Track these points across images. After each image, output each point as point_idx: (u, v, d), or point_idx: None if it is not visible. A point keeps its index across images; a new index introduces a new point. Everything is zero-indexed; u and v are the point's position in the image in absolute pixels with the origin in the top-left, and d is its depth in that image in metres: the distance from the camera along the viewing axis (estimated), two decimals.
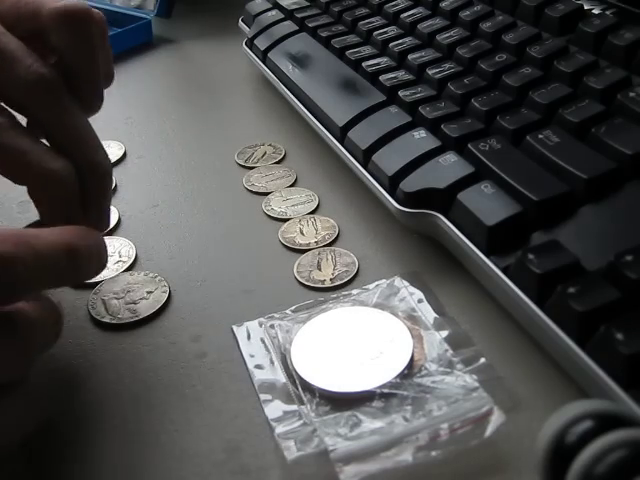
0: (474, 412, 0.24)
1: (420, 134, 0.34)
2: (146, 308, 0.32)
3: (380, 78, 0.40)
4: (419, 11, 0.45)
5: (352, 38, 0.45)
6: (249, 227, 0.37)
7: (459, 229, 0.30)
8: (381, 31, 0.44)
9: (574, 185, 0.29)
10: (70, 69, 0.28)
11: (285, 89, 0.45)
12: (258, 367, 0.28)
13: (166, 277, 0.34)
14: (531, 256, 0.26)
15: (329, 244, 0.35)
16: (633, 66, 0.33)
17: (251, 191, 0.40)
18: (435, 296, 0.31)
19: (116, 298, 0.32)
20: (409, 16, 0.45)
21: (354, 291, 0.31)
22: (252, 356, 0.29)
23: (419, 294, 0.31)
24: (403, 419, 0.25)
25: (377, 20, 0.46)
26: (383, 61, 0.41)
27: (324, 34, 0.46)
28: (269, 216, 0.38)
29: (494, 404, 0.25)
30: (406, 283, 0.31)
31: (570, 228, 0.28)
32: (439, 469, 0.24)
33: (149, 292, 0.33)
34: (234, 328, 0.30)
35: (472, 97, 0.36)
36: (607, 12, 0.37)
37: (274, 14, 0.52)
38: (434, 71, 0.39)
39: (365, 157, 0.35)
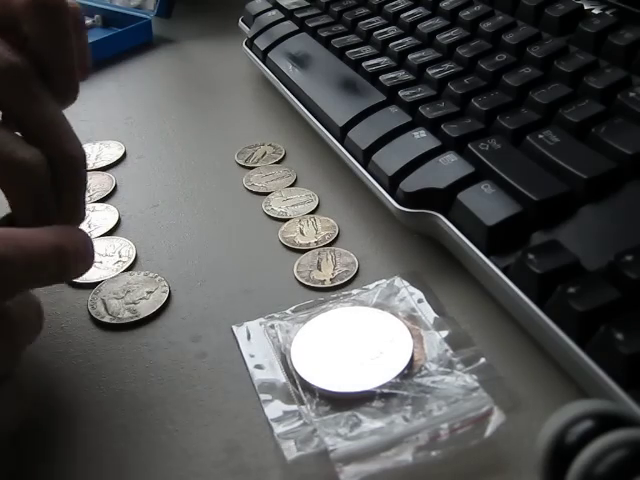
0: (474, 412, 0.24)
1: (420, 134, 0.34)
2: (146, 308, 0.32)
3: (380, 78, 0.40)
4: (419, 11, 0.45)
5: (352, 38, 0.45)
6: (249, 227, 0.37)
7: (459, 229, 0.30)
8: (381, 31, 0.44)
9: (574, 185, 0.29)
10: (43, 59, 0.27)
11: (285, 89, 0.45)
12: (258, 367, 0.28)
13: (166, 277, 0.34)
14: (531, 256, 0.26)
15: (329, 244, 0.35)
16: (633, 66, 0.33)
17: (251, 191, 0.40)
18: (435, 296, 0.31)
19: (116, 298, 0.32)
20: (409, 16, 0.45)
21: (354, 291, 0.31)
22: (252, 356, 0.29)
23: (419, 294, 0.31)
24: (403, 419, 0.25)
25: (377, 20, 0.46)
26: (383, 61, 0.41)
27: (324, 34, 0.46)
28: (269, 216, 0.38)
29: (494, 404, 0.25)
30: (406, 283, 0.31)
31: (570, 228, 0.28)
32: (439, 469, 0.24)
33: (149, 292, 0.33)
34: (234, 328, 0.30)
35: (472, 97, 0.36)
36: (607, 12, 0.37)
37: (274, 14, 0.52)
38: (434, 71, 0.39)
39: (365, 157, 0.35)
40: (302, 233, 0.36)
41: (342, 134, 0.38)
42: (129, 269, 0.34)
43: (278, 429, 0.25)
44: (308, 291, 0.32)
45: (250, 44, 0.51)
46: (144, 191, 0.41)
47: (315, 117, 0.41)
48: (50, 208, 0.27)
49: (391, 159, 0.34)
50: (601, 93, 0.32)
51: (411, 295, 0.31)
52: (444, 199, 0.31)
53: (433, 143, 0.34)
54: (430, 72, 0.39)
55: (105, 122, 0.49)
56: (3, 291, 0.22)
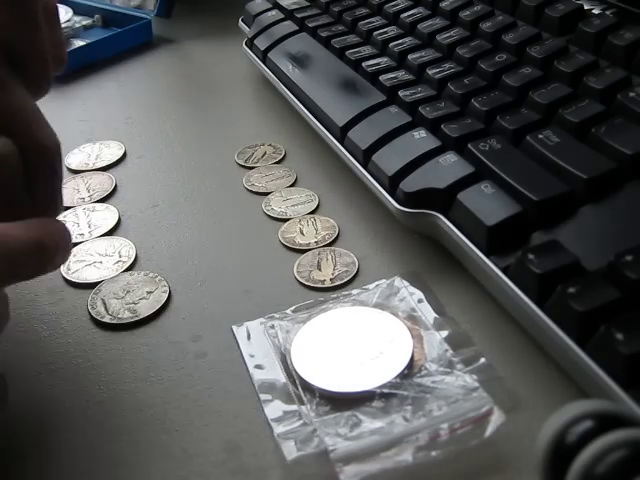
0: (474, 412, 0.24)
1: (420, 134, 0.34)
2: (146, 308, 0.32)
3: (380, 78, 0.40)
4: (419, 11, 0.45)
5: (352, 38, 0.45)
6: (249, 227, 0.37)
7: (459, 229, 0.30)
8: (381, 31, 0.44)
9: (574, 185, 0.29)
10: (13, 48, 0.26)
11: (285, 89, 0.45)
12: (258, 367, 0.28)
13: (166, 277, 0.34)
14: (531, 256, 0.26)
15: (329, 244, 0.35)
16: (633, 66, 0.33)
17: (251, 191, 0.40)
18: (435, 296, 0.31)
19: (116, 298, 0.32)
20: (409, 16, 0.45)
21: (354, 291, 0.31)
22: (252, 356, 0.29)
23: (419, 294, 0.31)
24: (403, 419, 0.25)
25: (377, 20, 0.46)
26: (383, 61, 0.41)
27: (324, 34, 0.46)
28: (269, 216, 0.38)
29: (494, 404, 0.25)
30: (406, 283, 0.31)
31: (570, 228, 0.28)
32: (439, 469, 0.24)
33: (149, 292, 0.33)
34: (234, 328, 0.30)
35: (472, 97, 0.36)
36: (607, 12, 0.37)
37: (274, 14, 0.52)
38: (434, 71, 0.39)
39: (365, 157, 0.35)
40: (302, 233, 0.36)
41: (342, 134, 0.38)
42: (129, 269, 0.34)
43: (278, 429, 0.25)
44: (308, 291, 0.32)
45: (250, 44, 0.51)
46: (144, 191, 0.41)
47: (315, 117, 0.41)
48: (23, 199, 0.26)
49: (391, 159, 0.34)
50: (601, 93, 0.32)
51: (411, 295, 0.31)
52: (444, 199, 0.31)
53: (433, 143, 0.34)
54: (430, 72, 0.39)
55: (105, 122, 0.49)
56: None
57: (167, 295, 0.32)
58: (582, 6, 0.38)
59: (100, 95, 0.52)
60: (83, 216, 0.39)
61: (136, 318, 0.31)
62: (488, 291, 0.30)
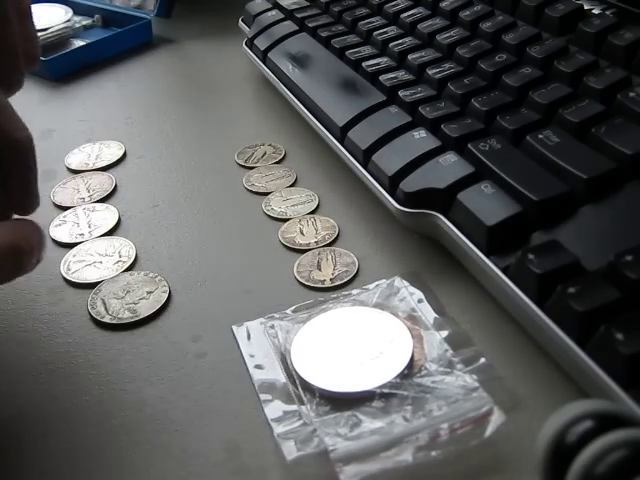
0: (474, 412, 0.24)
1: (420, 134, 0.34)
2: (146, 308, 0.32)
3: (380, 78, 0.40)
4: (419, 11, 0.45)
5: (352, 38, 0.45)
6: (249, 227, 0.37)
7: (459, 229, 0.30)
8: (381, 31, 0.44)
9: (574, 185, 0.29)
10: None
11: (285, 89, 0.45)
12: (258, 367, 0.28)
13: (166, 277, 0.34)
14: (531, 256, 0.26)
15: (329, 244, 0.35)
16: (633, 66, 0.33)
17: (251, 191, 0.40)
18: (435, 296, 0.31)
19: (116, 298, 0.32)
20: (409, 16, 0.45)
21: (354, 291, 0.31)
22: (252, 356, 0.29)
23: (419, 294, 0.31)
24: (403, 419, 0.25)
25: (377, 20, 0.46)
26: (383, 61, 0.41)
27: (324, 34, 0.46)
28: (269, 216, 0.38)
29: (494, 404, 0.25)
30: (406, 283, 0.31)
31: (570, 228, 0.28)
32: (439, 469, 0.24)
33: (149, 292, 0.33)
34: (234, 328, 0.30)
35: (472, 97, 0.36)
36: (607, 12, 0.37)
37: (274, 14, 0.52)
38: (434, 71, 0.39)
39: (365, 157, 0.35)
40: (302, 233, 0.36)
41: (342, 134, 0.38)
42: (129, 269, 0.34)
43: (278, 429, 0.25)
44: (308, 291, 0.32)
45: (250, 44, 0.51)
46: (144, 191, 0.41)
47: (315, 117, 0.41)
48: None
49: (391, 159, 0.34)
50: (601, 93, 0.32)
51: (411, 295, 0.31)
52: (444, 199, 0.31)
53: (433, 143, 0.34)
54: (430, 72, 0.39)
55: (105, 122, 0.49)
56: None
57: (167, 295, 0.33)
58: (582, 6, 0.38)
59: (100, 95, 0.52)
60: (83, 216, 0.39)
61: (136, 318, 0.31)
62: (488, 291, 0.30)
